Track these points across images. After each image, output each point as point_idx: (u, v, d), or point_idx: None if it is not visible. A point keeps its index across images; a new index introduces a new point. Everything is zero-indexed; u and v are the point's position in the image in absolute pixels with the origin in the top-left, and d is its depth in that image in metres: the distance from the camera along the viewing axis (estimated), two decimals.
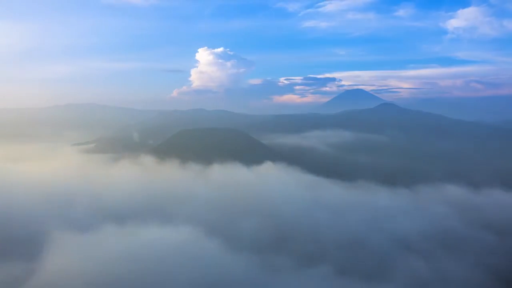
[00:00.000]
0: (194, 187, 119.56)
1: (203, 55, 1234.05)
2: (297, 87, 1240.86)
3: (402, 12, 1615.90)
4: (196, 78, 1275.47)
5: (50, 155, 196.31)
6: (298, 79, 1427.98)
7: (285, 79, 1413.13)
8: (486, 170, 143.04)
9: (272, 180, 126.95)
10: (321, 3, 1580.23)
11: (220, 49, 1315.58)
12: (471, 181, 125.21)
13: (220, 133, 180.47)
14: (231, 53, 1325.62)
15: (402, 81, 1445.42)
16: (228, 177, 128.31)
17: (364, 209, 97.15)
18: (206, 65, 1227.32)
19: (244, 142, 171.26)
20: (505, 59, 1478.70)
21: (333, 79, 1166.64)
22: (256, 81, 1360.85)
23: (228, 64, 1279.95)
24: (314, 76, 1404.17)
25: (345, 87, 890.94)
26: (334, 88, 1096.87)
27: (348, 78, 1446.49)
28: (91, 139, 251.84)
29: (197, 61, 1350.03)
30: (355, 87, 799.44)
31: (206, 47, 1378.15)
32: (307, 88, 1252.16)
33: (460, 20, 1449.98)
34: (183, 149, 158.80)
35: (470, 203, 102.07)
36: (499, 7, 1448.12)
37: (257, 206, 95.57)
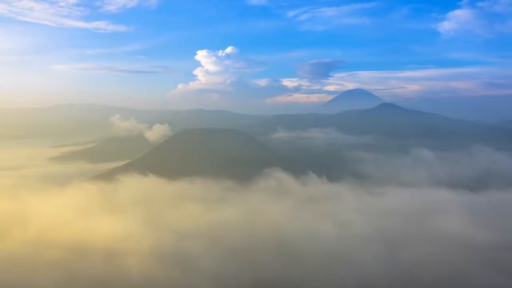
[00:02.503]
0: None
1: (204, 57, 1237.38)
2: (302, 87, 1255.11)
3: (397, 15, 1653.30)
4: (198, 78, 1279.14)
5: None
6: (300, 79, 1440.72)
7: (288, 80, 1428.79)
8: (486, 170, 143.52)
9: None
10: (319, 9, 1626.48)
11: (221, 51, 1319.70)
12: (471, 181, 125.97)
13: (220, 133, 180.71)
14: (235, 54, 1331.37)
15: (402, 82, 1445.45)
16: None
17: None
18: (208, 66, 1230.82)
19: (243, 142, 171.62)
20: (503, 60, 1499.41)
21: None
22: (261, 81, 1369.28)
23: (232, 65, 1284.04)
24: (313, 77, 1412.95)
25: (345, 87, 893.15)
26: (337, 88, 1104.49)
27: (348, 79, 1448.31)
28: (92, 140, 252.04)
29: (199, 62, 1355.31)
30: (356, 88, 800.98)
31: (206, 50, 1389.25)
32: (310, 88, 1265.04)
33: (453, 22, 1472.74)
34: (183, 149, 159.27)
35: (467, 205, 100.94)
36: (490, 10, 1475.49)
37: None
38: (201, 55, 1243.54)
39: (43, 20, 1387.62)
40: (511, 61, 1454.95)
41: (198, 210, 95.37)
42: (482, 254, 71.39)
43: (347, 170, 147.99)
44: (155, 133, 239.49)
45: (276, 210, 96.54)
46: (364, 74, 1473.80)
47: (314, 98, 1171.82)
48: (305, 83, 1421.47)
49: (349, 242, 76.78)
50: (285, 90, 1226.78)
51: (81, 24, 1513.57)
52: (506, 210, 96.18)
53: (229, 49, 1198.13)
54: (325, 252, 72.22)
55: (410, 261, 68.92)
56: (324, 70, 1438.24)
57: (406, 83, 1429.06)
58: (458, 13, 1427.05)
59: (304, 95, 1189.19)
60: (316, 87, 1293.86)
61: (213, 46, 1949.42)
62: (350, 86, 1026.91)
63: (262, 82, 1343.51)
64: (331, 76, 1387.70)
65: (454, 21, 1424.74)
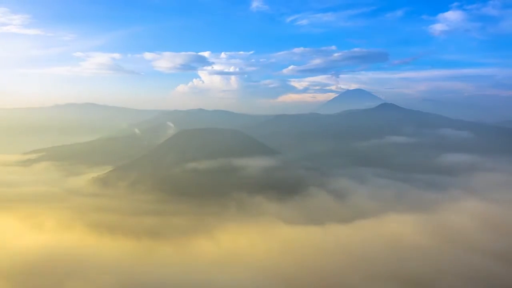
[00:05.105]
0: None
1: (205, 58, 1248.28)
2: (305, 87, 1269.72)
3: (392, 18, 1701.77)
4: (200, 79, 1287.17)
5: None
6: (302, 79, 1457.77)
7: (293, 80, 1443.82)
8: (487, 171, 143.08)
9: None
10: (318, 15, 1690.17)
11: (223, 53, 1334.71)
12: (472, 183, 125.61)
13: (220, 133, 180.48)
14: (236, 55, 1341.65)
15: (402, 82, 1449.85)
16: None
17: None
18: (210, 67, 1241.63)
19: (243, 142, 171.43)
20: (501, 61, 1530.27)
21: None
22: (264, 82, 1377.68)
23: (233, 66, 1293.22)
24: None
25: (346, 87, 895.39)
26: (341, 87, 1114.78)
27: (348, 79, 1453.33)
28: (91, 140, 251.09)
29: (201, 63, 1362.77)
30: (356, 88, 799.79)
31: (209, 51, 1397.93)
32: (314, 88, 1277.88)
33: (445, 25, 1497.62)
34: (183, 149, 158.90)
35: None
36: (479, 12, 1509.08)
37: None
38: (203, 56, 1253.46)
39: None
40: (509, 62, 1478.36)
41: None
42: None
43: (346, 169, 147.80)
44: (155, 133, 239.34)
45: None
46: (365, 74, 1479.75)
47: (320, 97, 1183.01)
48: (307, 83, 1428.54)
49: None
50: (289, 90, 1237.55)
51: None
52: None
53: (230, 51, 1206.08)
54: None
55: None
56: (327, 71, 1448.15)
57: (406, 83, 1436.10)
58: (449, 14, 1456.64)
59: (310, 95, 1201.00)
60: (319, 87, 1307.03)
61: (215, 47, 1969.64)
62: (351, 86, 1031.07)
63: (266, 82, 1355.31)
64: (334, 76, 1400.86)
65: (446, 24, 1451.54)
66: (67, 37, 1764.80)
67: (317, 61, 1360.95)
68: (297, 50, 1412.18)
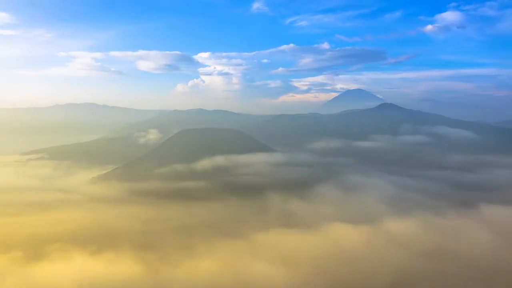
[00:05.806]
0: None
1: (206, 58, 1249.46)
2: (307, 87, 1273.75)
3: (392, 18, 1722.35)
4: (200, 79, 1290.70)
5: None
6: (302, 79, 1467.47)
7: (293, 80, 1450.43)
8: (487, 171, 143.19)
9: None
10: (317, 16, 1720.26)
11: (224, 53, 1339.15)
12: (471, 183, 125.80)
13: (220, 133, 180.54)
14: (236, 56, 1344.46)
15: (402, 82, 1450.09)
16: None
17: None
18: (210, 68, 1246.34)
19: (243, 142, 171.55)
20: (500, 61, 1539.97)
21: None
22: (266, 82, 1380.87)
23: (233, 66, 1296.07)
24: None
25: (346, 87, 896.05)
26: (343, 87, 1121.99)
27: (348, 79, 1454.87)
28: (91, 140, 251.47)
29: (201, 63, 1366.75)
30: (356, 88, 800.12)
31: (209, 52, 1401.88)
32: (314, 87, 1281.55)
33: (448, 24, 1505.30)
34: (184, 149, 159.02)
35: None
36: (476, 13, 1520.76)
37: None
38: (203, 56, 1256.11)
39: None
40: (508, 62, 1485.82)
41: None
42: None
43: (346, 169, 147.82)
44: (155, 133, 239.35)
45: None
46: (365, 75, 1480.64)
47: (322, 97, 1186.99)
48: (308, 83, 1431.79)
49: None
50: (290, 90, 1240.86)
51: None
52: None
53: (231, 51, 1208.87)
54: None
55: None
56: (324, 70, 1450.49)
57: (406, 83, 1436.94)
58: (447, 15, 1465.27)
59: (312, 95, 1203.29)
60: (319, 87, 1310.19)
61: (217, 48, 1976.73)
62: (351, 86, 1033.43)
63: (266, 83, 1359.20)
64: (334, 76, 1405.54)
65: (444, 24, 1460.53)
66: (44, 37, 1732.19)
67: (310, 60, 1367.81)
68: (286, 47, 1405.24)
